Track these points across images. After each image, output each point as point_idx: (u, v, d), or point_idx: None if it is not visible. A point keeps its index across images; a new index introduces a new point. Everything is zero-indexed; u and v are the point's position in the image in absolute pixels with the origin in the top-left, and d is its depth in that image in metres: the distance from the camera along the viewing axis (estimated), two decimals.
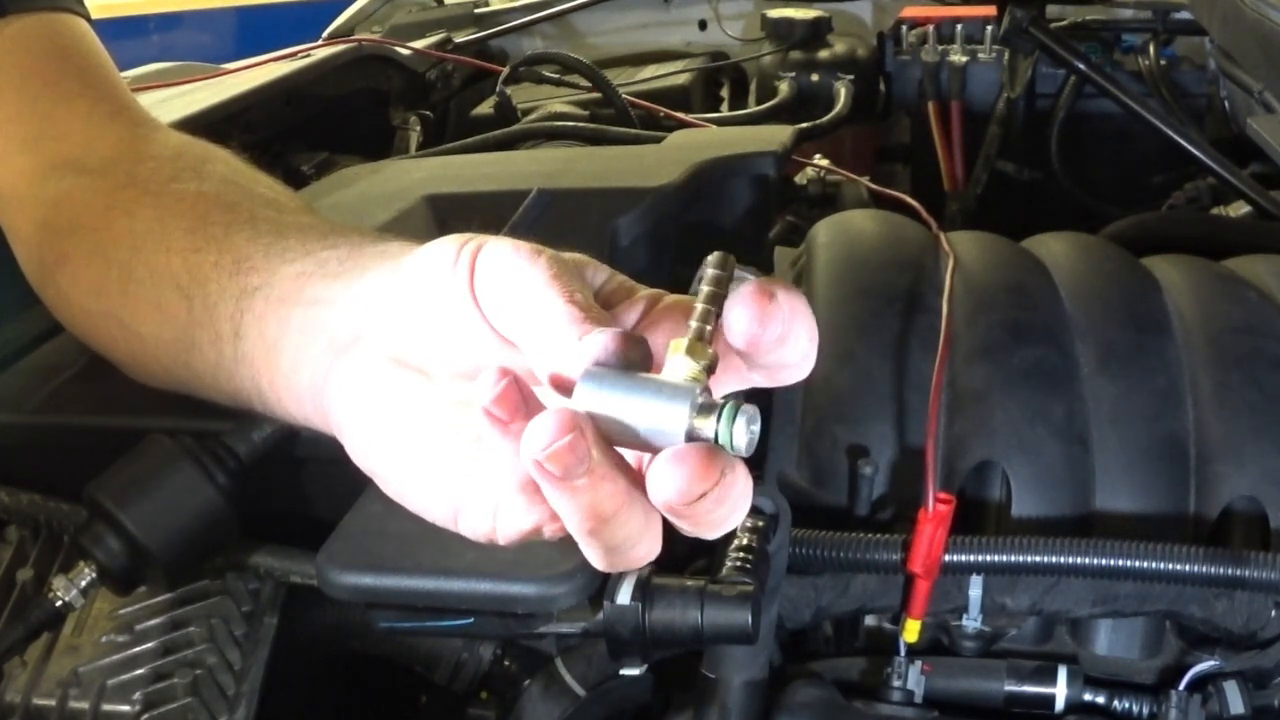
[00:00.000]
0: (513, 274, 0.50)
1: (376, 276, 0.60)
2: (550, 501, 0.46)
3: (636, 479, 0.46)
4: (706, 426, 0.44)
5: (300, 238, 0.68)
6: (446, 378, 0.55)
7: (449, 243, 0.53)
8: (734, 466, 0.45)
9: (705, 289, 0.47)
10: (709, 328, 0.46)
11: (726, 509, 0.46)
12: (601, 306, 0.50)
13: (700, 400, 0.44)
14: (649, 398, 0.45)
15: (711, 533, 0.47)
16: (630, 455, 0.48)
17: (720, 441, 0.44)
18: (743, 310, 0.45)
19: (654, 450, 0.45)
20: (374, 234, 0.67)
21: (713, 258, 0.47)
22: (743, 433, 0.44)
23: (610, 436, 0.45)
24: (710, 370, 0.45)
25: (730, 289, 0.47)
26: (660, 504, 0.45)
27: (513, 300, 0.50)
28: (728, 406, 0.44)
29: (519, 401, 0.46)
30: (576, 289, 0.49)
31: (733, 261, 0.48)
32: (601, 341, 0.45)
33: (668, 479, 0.44)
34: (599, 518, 0.46)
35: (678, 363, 0.45)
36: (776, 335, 0.45)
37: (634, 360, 0.46)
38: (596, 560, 0.49)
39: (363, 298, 0.59)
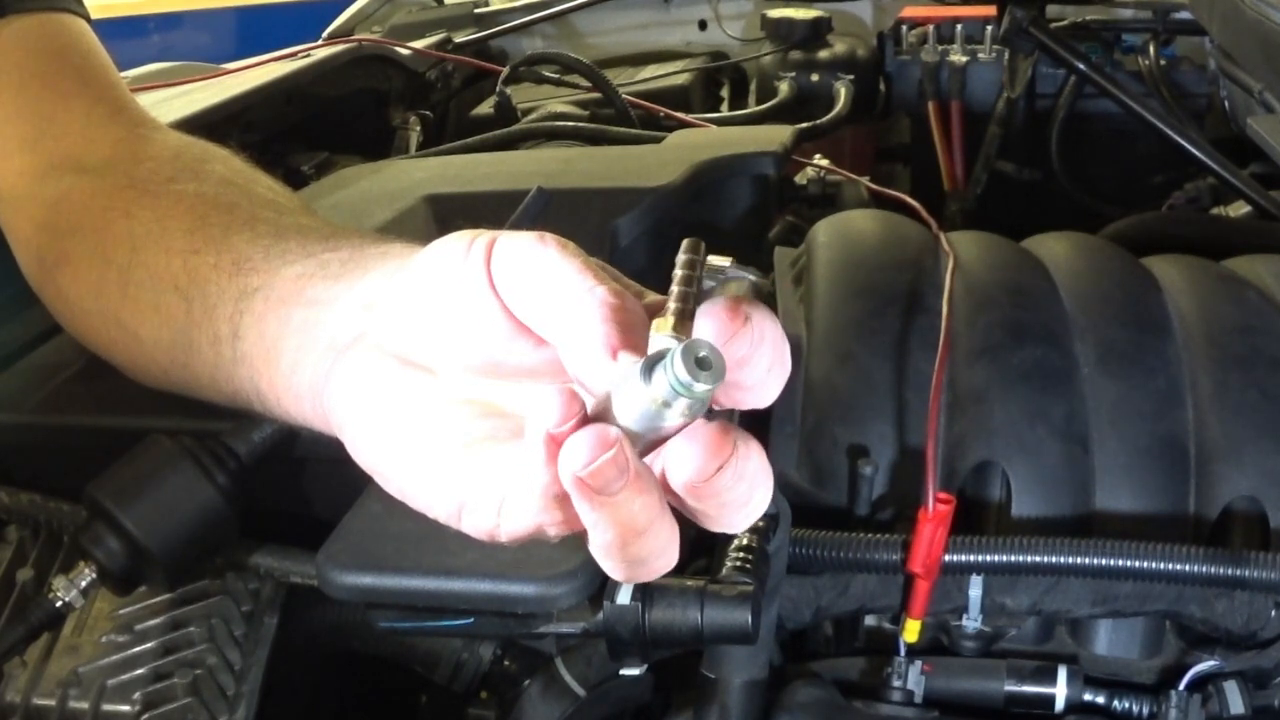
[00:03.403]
0: (539, 264, 0.50)
1: (379, 276, 0.60)
2: (582, 517, 0.46)
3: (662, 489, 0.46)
4: (660, 386, 0.43)
5: (300, 239, 0.68)
6: (454, 373, 0.54)
7: (458, 237, 0.53)
8: (747, 440, 0.45)
9: (679, 272, 0.46)
10: (687, 306, 0.45)
11: (746, 486, 0.45)
12: None
13: (648, 366, 0.43)
14: (622, 390, 0.44)
15: (736, 518, 0.47)
16: None
17: (679, 391, 0.42)
18: (709, 324, 0.44)
19: (658, 440, 0.45)
20: (375, 236, 0.67)
21: (685, 243, 0.47)
22: (684, 369, 0.42)
23: (635, 447, 0.45)
24: (685, 335, 0.44)
25: (717, 279, 0.47)
26: (680, 485, 0.45)
27: (539, 289, 0.50)
28: (667, 355, 0.42)
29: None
30: (605, 276, 0.49)
31: (704, 247, 0.47)
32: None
33: (683, 458, 0.44)
34: (633, 531, 0.46)
35: (652, 342, 0.45)
36: (738, 356, 0.45)
37: None
38: (618, 573, 0.48)
39: (365, 298, 0.59)
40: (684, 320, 0.45)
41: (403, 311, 0.56)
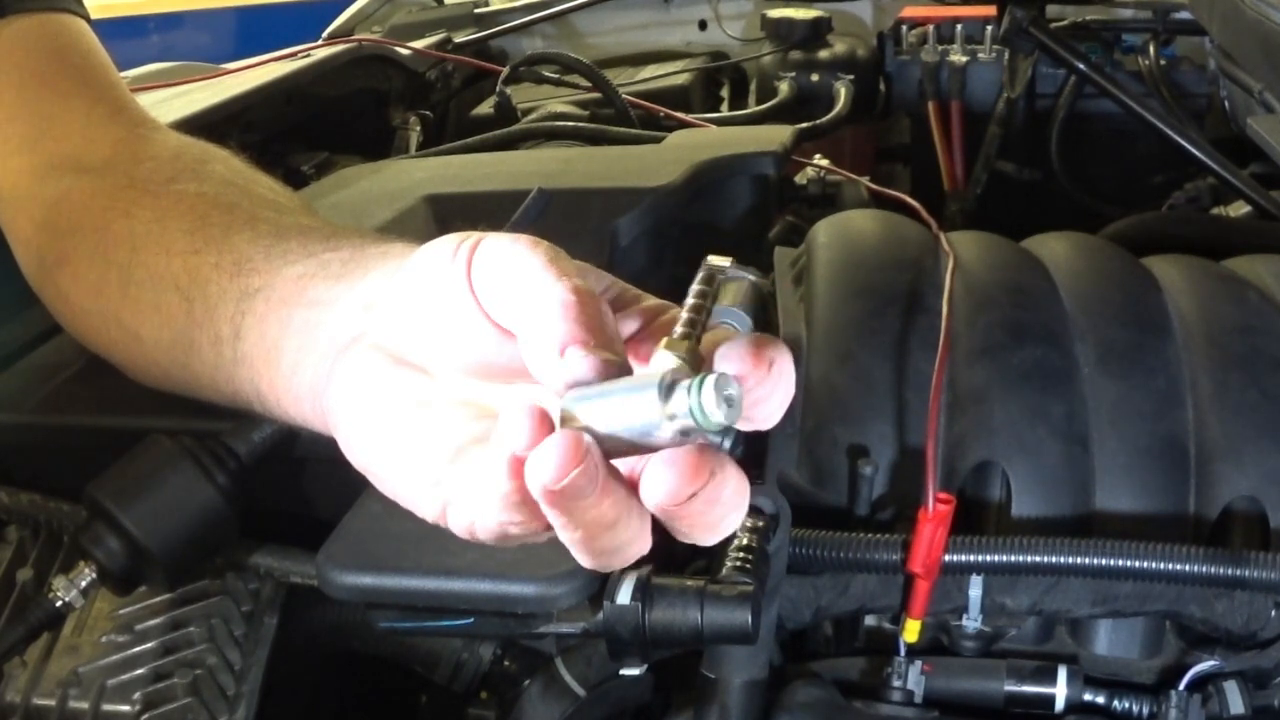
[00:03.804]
0: (509, 262, 0.50)
1: (380, 276, 0.60)
2: (550, 519, 0.46)
3: (630, 484, 0.46)
4: (679, 406, 0.43)
5: (301, 239, 0.68)
6: (449, 375, 0.54)
7: (448, 239, 0.53)
8: (724, 466, 0.45)
9: (696, 287, 0.47)
10: (696, 331, 0.46)
11: (719, 511, 0.46)
12: None
13: (669, 381, 0.43)
14: (626, 396, 0.44)
15: (707, 537, 0.47)
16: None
17: (695, 418, 0.43)
18: (732, 366, 0.45)
19: (648, 451, 0.45)
20: (376, 236, 0.67)
21: (706, 263, 0.47)
22: (713, 401, 0.42)
23: (606, 450, 0.45)
24: (693, 364, 0.45)
25: (725, 290, 0.47)
26: (653, 506, 0.45)
27: (508, 287, 0.50)
28: (695, 380, 0.43)
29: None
30: (573, 273, 0.49)
31: (721, 271, 0.48)
32: (585, 365, 0.45)
33: (658, 481, 0.44)
34: (601, 527, 0.46)
35: (658, 359, 0.45)
36: (755, 397, 0.46)
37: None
38: (586, 561, 0.49)
39: (365, 298, 0.59)
40: (695, 344, 0.45)
41: (399, 312, 0.56)
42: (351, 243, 0.65)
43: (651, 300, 0.52)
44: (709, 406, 0.43)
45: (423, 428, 0.54)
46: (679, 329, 0.46)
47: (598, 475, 0.44)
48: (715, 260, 0.48)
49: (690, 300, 0.47)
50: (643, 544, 0.48)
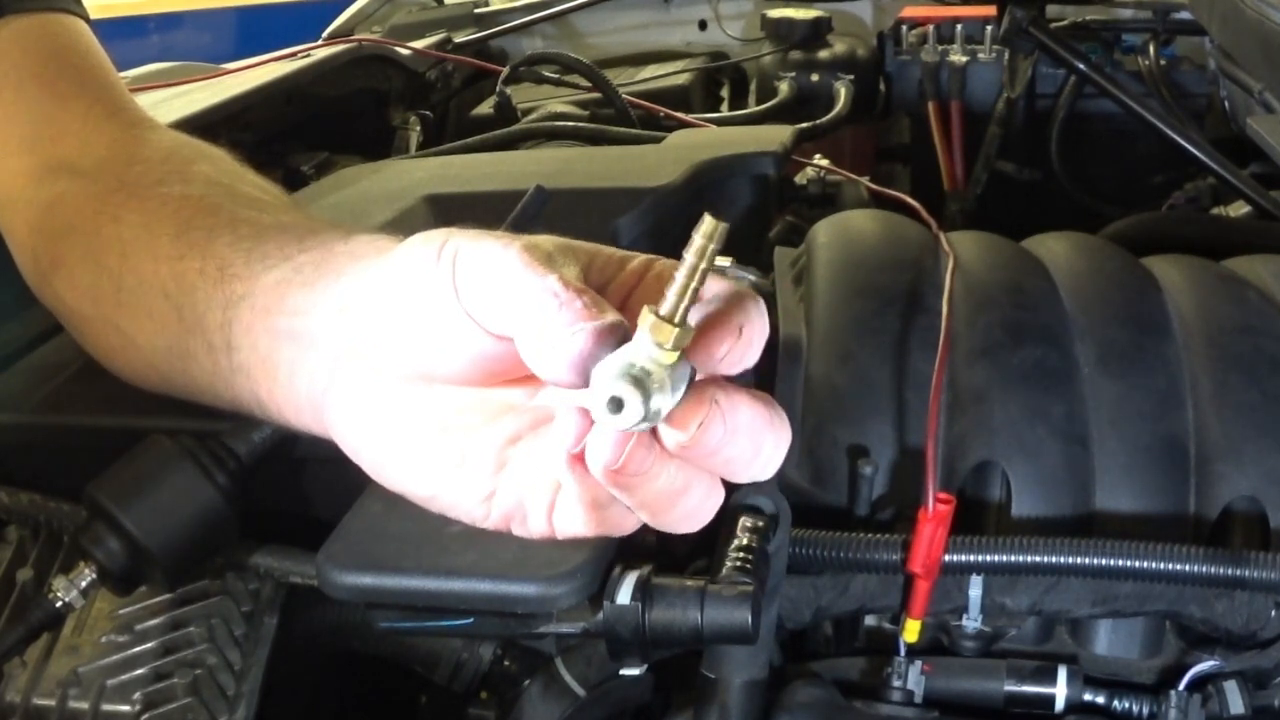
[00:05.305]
0: (487, 269, 0.50)
1: (351, 280, 0.59)
2: (625, 500, 0.48)
3: None
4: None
5: (279, 240, 0.67)
6: (445, 383, 0.54)
7: (430, 244, 0.53)
8: (730, 394, 0.46)
9: (689, 259, 0.46)
10: (684, 304, 0.45)
11: (746, 440, 0.47)
12: (595, 285, 0.50)
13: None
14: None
15: (750, 470, 0.48)
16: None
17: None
18: (707, 335, 0.47)
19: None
20: (344, 232, 0.66)
21: (703, 225, 0.47)
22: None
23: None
24: (675, 345, 0.45)
25: (722, 275, 0.48)
26: (674, 446, 0.46)
27: (492, 296, 0.50)
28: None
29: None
30: (549, 270, 0.49)
31: (723, 231, 0.47)
32: (581, 340, 0.46)
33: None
34: (675, 493, 0.48)
35: (640, 337, 0.45)
36: (731, 361, 0.47)
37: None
38: (677, 528, 0.51)
39: (340, 301, 0.59)
40: (665, 323, 0.45)
41: (377, 318, 0.55)
42: (322, 242, 0.65)
43: (636, 260, 0.52)
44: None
45: (451, 445, 0.54)
46: (670, 297, 0.46)
47: (651, 445, 0.46)
48: (706, 229, 0.47)
49: (688, 259, 0.46)
50: (717, 499, 0.50)
